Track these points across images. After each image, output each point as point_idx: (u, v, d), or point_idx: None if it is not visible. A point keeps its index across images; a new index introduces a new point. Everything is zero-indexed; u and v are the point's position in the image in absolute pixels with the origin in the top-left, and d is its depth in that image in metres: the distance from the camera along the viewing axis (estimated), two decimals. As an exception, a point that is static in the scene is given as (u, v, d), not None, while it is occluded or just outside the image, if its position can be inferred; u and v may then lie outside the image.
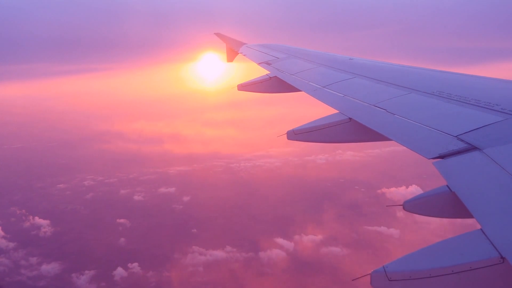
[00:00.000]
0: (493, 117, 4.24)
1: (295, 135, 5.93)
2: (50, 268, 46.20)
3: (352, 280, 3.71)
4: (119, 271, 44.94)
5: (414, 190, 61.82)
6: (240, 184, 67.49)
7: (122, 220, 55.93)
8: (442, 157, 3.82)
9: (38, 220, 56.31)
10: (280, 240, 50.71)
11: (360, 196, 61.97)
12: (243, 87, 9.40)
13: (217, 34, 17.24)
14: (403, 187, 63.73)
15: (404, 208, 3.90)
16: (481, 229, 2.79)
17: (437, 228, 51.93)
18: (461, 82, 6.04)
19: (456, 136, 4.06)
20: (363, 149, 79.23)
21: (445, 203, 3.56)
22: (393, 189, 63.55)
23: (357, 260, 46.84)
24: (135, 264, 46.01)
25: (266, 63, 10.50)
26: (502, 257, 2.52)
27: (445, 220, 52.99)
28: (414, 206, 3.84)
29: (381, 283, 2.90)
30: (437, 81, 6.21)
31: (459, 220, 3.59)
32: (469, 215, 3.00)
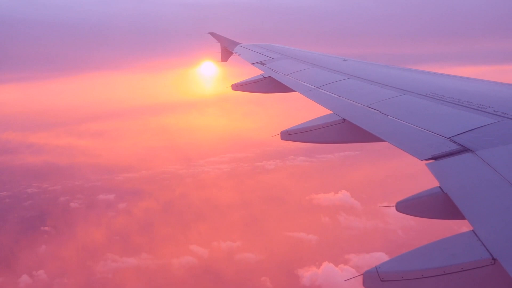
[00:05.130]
0: (485, 119, 4.26)
1: (289, 135, 5.93)
2: (-42, 277, 45.69)
3: (345, 280, 3.72)
4: (24, 278, 45.45)
5: (342, 196, 61.13)
6: (180, 190, 66.32)
7: (47, 228, 55.62)
8: (435, 158, 3.83)
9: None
10: (194, 247, 50.84)
11: (285, 203, 60.92)
12: (238, 87, 9.40)
13: (212, 34, 17.21)
14: (332, 193, 62.51)
15: (396, 209, 3.91)
16: (473, 230, 2.81)
17: (362, 234, 52.09)
18: (454, 84, 6.08)
19: (449, 138, 4.08)
20: (316, 155, 77.04)
21: (437, 204, 3.57)
22: (321, 194, 62.55)
23: (269, 266, 46.86)
24: (41, 271, 46.39)
25: (260, 63, 10.49)
26: (493, 258, 2.54)
27: (380, 226, 53.01)
28: (406, 207, 3.84)
29: (374, 283, 2.91)
30: (431, 83, 6.25)
31: (450, 221, 3.60)
32: (461, 217, 3.01)
